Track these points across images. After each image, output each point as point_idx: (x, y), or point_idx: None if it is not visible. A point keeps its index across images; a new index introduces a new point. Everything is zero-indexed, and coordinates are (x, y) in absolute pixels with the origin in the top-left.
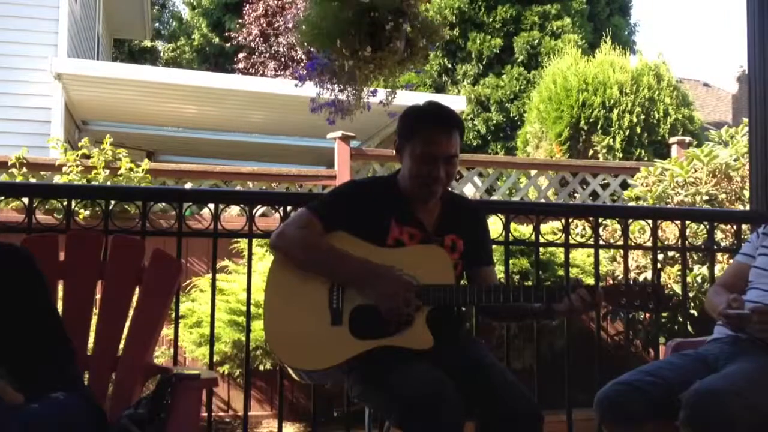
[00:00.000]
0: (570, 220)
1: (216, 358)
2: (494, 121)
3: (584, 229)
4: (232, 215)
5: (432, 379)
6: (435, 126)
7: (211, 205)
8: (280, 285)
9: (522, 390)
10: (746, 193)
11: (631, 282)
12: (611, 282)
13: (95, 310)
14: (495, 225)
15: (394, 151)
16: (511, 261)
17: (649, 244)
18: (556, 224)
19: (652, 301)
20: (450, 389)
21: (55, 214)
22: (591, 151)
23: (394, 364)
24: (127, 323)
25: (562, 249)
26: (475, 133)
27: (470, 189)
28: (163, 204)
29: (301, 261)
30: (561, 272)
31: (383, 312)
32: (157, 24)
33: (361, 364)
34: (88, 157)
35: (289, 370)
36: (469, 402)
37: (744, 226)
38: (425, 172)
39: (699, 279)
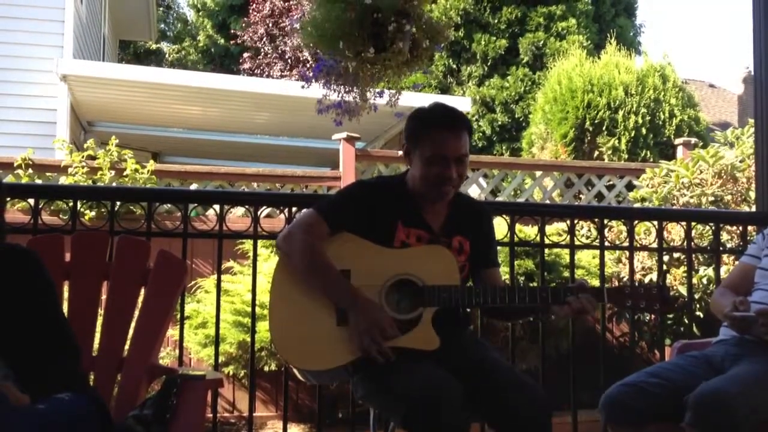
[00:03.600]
0: (575, 221)
1: (221, 358)
2: (499, 122)
3: (589, 230)
4: (237, 216)
5: (435, 380)
6: (444, 128)
7: (216, 206)
8: (285, 285)
9: (532, 384)
10: (752, 195)
11: (637, 284)
12: (616, 284)
13: (100, 311)
14: (500, 226)
15: (399, 152)
16: (516, 262)
17: (655, 245)
18: (562, 225)
19: (657, 303)
20: (453, 390)
21: (60, 215)
22: (596, 152)
23: (399, 364)
24: (133, 324)
25: (567, 250)
26: (480, 134)
27: (475, 190)
28: (169, 205)
29: (298, 269)
30: (566, 273)
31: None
32: (162, 25)
33: (365, 364)
34: (93, 158)
35: (294, 371)
36: (477, 402)
37: (750, 228)
38: (437, 173)
39: (704, 280)
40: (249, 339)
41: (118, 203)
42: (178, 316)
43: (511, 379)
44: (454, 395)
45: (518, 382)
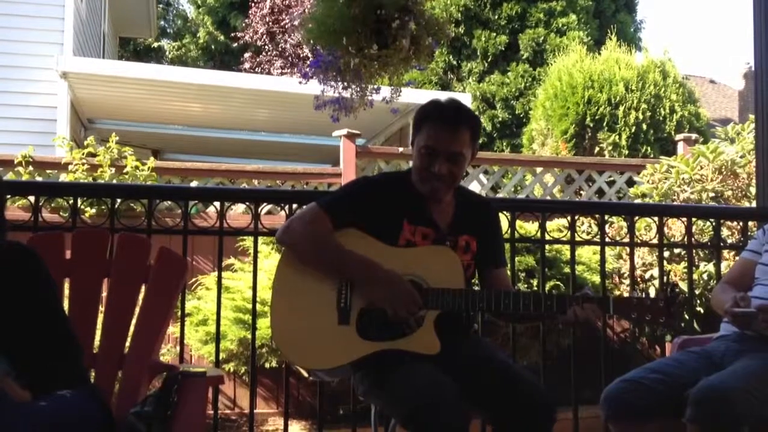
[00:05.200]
0: (576, 217)
1: (222, 355)
2: (500, 119)
3: (590, 226)
4: (238, 213)
5: (434, 385)
6: (441, 121)
7: (217, 203)
8: (287, 283)
9: (534, 381)
10: (752, 190)
11: (644, 295)
12: (617, 280)
13: (101, 308)
14: (501, 222)
15: (400, 149)
16: (516, 258)
17: (655, 241)
18: (562, 221)
19: (663, 316)
20: (451, 395)
21: (61, 213)
22: (597, 148)
23: (399, 366)
24: (133, 321)
25: (567, 246)
26: (481, 130)
27: (476, 186)
28: (169, 202)
29: (307, 256)
30: (567, 269)
31: (389, 316)
32: (162, 22)
33: (368, 363)
34: (93, 155)
35: (300, 369)
36: (479, 400)
37: (750, 223)
38: (426, 166)
39: (705, 276)
40: (250, 336)
41: (119, 200)
42: (179, 313)
43: (516, 375)
44: (452, 399)
45: (525, 378)
